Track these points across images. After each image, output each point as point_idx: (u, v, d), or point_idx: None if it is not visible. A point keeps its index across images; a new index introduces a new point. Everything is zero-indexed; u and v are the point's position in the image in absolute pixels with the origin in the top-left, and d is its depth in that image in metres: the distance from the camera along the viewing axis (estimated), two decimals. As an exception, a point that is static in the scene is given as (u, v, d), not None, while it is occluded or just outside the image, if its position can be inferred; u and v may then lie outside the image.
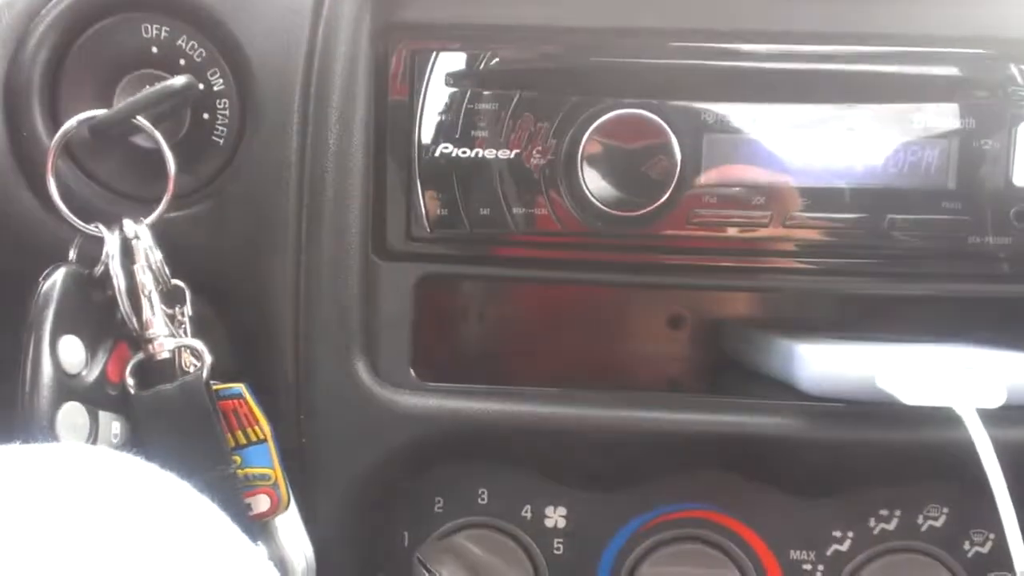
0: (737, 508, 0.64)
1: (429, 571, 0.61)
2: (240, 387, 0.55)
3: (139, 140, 0.57)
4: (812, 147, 0.57)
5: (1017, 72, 0.57)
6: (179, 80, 0.55)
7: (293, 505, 0.57)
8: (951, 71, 0.57)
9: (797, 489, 0.63)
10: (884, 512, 0.63)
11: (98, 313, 0.54)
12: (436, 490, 0.64)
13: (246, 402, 0.55)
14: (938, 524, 0.63)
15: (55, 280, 0.52)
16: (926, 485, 0.63)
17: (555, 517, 0.64)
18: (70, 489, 0.37)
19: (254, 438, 0.55)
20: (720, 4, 0.57)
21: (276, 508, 0.56)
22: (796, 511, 0.64)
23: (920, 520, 0.63)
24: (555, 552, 0.65)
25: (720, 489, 0.64)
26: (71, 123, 0.55)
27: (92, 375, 0.52)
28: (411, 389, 0.59)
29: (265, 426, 0.55)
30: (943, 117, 0.57)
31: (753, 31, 0.57)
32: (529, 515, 0.64)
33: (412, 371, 0.60)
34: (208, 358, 0.54)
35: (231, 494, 0.53)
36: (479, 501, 0.64)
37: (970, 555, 0.63)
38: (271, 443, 0.55)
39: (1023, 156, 0.56)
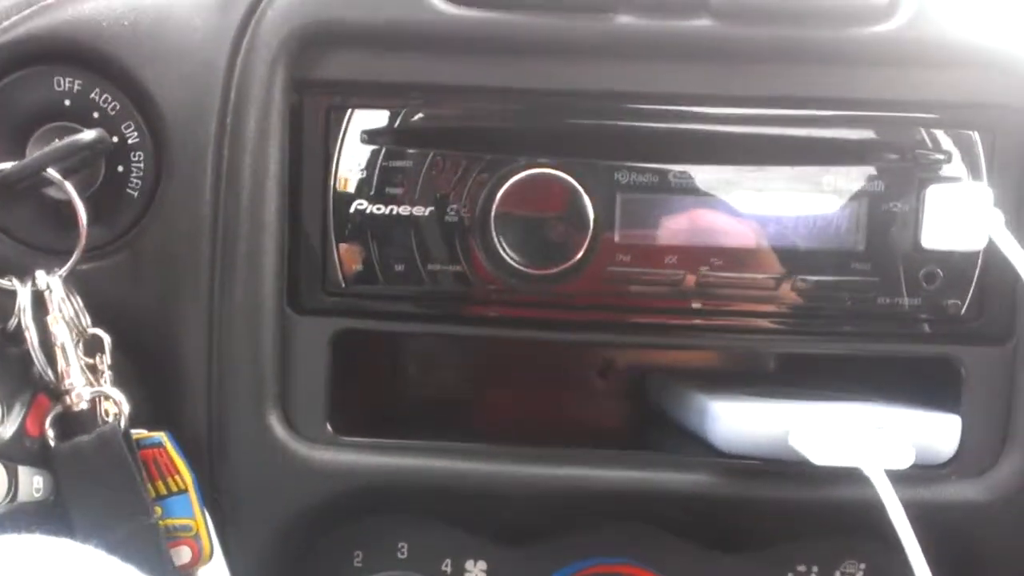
0: (658, 563, 0.64)
1: (348, 626, 0.61)
2: (161, 435, 0.55)
3: (52, 192, 0.57)
4: (724, 207, 0.58)
5: (926, 135, 0.57)
6: (88, 134, 0.55)
7: (219, 556, 0.57)
8: (862, 134, 0.58)
9: (716, 544, 0.64)
10: (802, 568, 0.64)
11: (14, 367, 0.54)
12: (355, 544, 0.64)
13: (166, 451, 0.55)
14: (855, 579, 0.64)
15: None
16: (842, 541, 0.63)
17: (475, 571, 0.64)
18: None
19: (175, 488, 0.55)
20: (633, 67, 0.57)
21: (198, 560, 0.55)
22: (716, 566, 0.64)
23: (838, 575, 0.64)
24: None
25: (641, 543, 0.64)
26: None
27: (9, 430, 0.51)
28: (326, 443, 0.59)
29: (186, 475, 0.55)
30: (853, 179, 0.57)
31: (666, 93, 0.57)
32: (449, 569, 0.64)
33: (328, 425, 0.60)
34: (126, 407, 0.54)
35: (153, 545, 0.52)
36: (398, 555, 0.64)
37: (888, 610, 0.63)
38: (192, 493, 0.55)
39: (931, 219, 0.57)
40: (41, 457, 0.53)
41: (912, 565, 0.51)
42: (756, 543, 0.63)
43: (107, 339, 0.56)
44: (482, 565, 0.64)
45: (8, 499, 0.50)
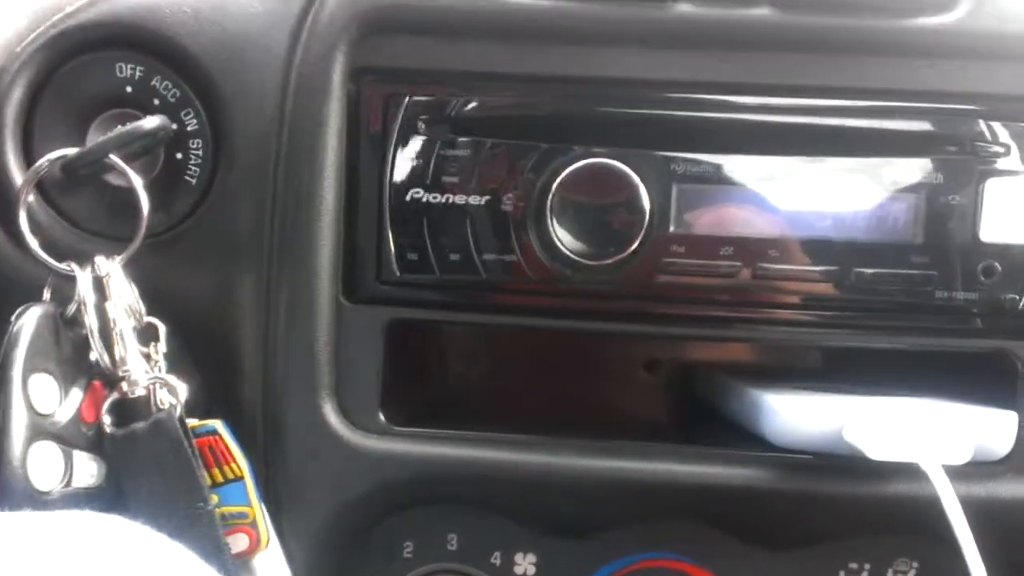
0: (707, 558, 0.64)
1: (398, 618, 0.61)
2: (216, 423, 0.55)
3: (112, 178, 0.58)
4: (781, 199, 0.57)
5: (985, 128, 0.57)
6: (151, 121, 0.55)
7: (275, 544, 0.57)
8: (921, 126, 0.57)
9: (767, 540, 0.63)
10: (854, 565, 0.63)
11: (72, 352, 0.54)
12: (405, 534, 0.64)
13: (221, 439, 0.55)
14: (908, 578, 0.63)
15: (26, 319, 0.52)
16: (895, 539, 0.63)
17: (524, 564, 0.64)
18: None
19: (230, 476, 0.55)
20: (691, 56, 0.57)
21: (255, 547, 0.55)
22: (766, 563, 0.63)
23: (890, 574, 0.63)
24: None
25: (691, 539, 0.63)
26: (42, 162, 0.55)
27: (66, 415, 0.52)
28: (379, 433, 0.59)
29: (242, 463, 0.55)
30: (912, 171, 0.57)
31: (724, 83, 0.57)
32: (498, 562, 0.64)
33: (381, 415, 0.60)
34: (182, 394, 0.54)
35: (210, 531, 0.52)
36: (448, 547, 0.64)
37: (940, 610, 0.63)
38: (248, 480, 0.55)
39: (990, 211, 0.56)
40: (96, 443, 0.53)
41: (967, 562, 0.50)
42: (808, 539, 0.63)
43: (162, 327, 0.57)
44: (531, 558, 0.64)
45: (63, 484, 0.51)
